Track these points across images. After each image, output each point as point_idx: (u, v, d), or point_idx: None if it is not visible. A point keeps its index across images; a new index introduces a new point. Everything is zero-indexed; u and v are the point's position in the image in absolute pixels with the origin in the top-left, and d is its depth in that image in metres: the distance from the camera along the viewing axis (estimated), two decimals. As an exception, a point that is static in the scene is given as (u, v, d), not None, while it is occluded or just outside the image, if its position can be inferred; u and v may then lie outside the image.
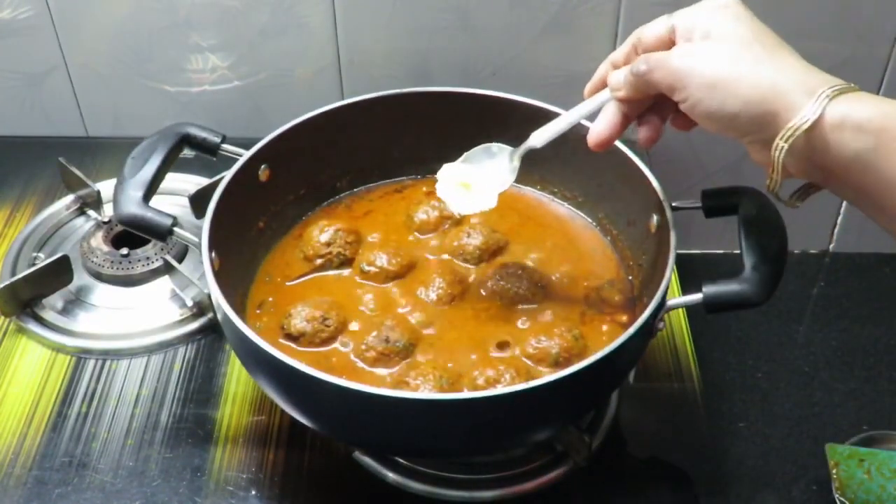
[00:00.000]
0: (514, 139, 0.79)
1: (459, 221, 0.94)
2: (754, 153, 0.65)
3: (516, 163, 0.80)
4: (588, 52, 1.10)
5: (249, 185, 0.88)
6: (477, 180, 0.82)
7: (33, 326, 0.96)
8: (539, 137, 0.78)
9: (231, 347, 0.91)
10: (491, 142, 0.82)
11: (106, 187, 1.05)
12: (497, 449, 0.82)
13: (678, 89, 0.65)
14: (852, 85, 0.61)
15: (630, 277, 0.90)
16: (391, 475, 0.82)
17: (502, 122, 0.88)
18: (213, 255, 0.79)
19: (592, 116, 0.75)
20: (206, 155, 0.91)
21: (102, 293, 1.00)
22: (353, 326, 0.84)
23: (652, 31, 0.70)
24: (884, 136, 0.59)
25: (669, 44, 0.69)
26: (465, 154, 0.82)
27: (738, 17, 0.65)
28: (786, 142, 0.61)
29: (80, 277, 1.01)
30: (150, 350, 0.95)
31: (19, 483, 0.83)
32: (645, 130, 0.73)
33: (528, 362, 0.81)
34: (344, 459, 0.84)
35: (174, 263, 0.99)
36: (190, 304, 0.98)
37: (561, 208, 0.98)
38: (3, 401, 0.90)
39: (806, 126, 0.60)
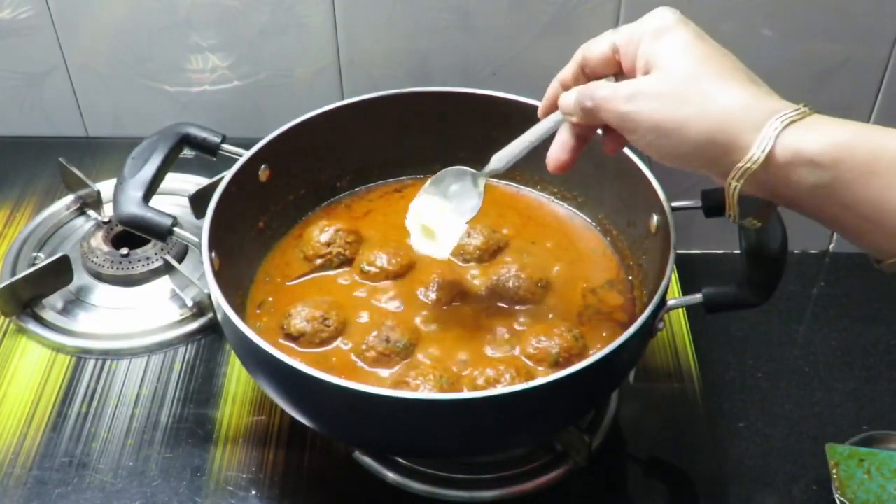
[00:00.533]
0: (514, 139, 0.79)
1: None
2: (716, 179, 0.63)
3: (481, 188, 0.80)
4: (588, 52, 1.10)
5: (249, 185, 0.88)
6: (440, 221, 0.82)
7: (33, 326, 0.96)
8: (500, 161, 0.77)
9: (231, 347, 0.91)
10: (492, 140, 0.82)
11: (106, 187, 1.05)
12: (497, 449, 0.82)
13: (627, 130, 0.64)
14: (802, 108, 0.59)
15: (630, 277, 0.90)
16: (391, 475, 0.82)
17: (502, 122, 0.88)
18: (213, 255, 0.79)
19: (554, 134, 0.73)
20: (206, 155, 0.91)
21: (102, 293, 1.00)
22: (353, 326, 0.84)
23: (597, 50, 0.68)
24: (839, 169, 0.56)
25: (615, 65, 0.67)
26: (432, 178, 0.82)
27: (683, 43, 0.62)
28: (738, 181, 0.60)
29: (80, 277, 1.01)
30: (150, 350, 0.95)
31: (19, 483, 0.83)
32: (609, 141, 0.71)
33: (528, 362, 0.81)
34: (344, 459, 0.84)
35: (174, 263, 0.99)
36: (190, 304, 0.98)
37: (561, 208, 0.98)
38: (3, 401, 0.90)
39: (755, 167, 0.58)
